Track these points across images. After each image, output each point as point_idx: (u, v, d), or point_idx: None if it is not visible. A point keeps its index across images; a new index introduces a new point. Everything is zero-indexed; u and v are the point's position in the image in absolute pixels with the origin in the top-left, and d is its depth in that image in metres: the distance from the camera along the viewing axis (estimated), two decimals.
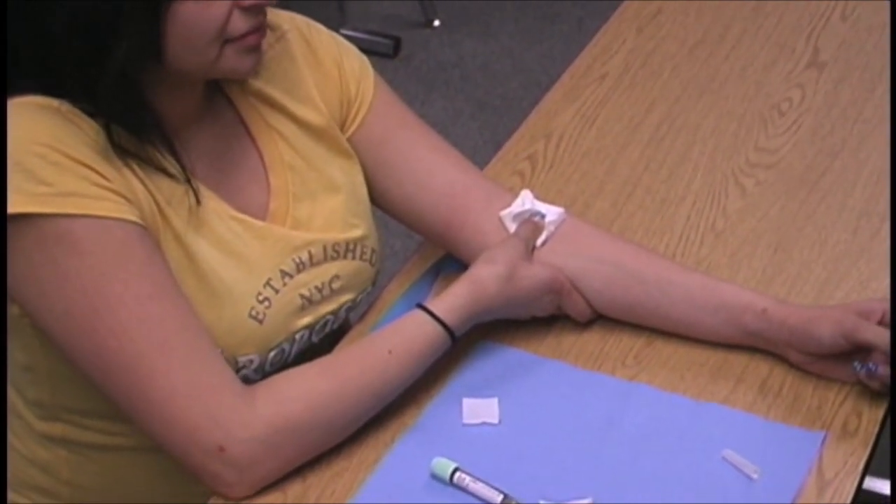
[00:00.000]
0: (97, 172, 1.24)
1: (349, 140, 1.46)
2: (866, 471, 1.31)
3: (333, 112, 1.45)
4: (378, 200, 1.50)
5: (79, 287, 1.22)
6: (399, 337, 1.34)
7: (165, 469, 1.36)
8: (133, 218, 1.25)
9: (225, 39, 1.26)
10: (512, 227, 1.46)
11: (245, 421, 1.24)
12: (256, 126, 1.40)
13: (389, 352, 1.32)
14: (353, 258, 1.43)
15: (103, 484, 1.43)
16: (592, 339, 1.46)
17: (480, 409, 1.36)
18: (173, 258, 1.29)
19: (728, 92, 1.85)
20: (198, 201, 1.31)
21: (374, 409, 1.33)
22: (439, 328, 1.35)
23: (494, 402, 1.37)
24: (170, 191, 1.30)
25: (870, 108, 1.80)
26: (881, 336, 1.32)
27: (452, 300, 1.37)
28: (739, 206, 1.65)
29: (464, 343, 1.42)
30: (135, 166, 1.27)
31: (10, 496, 1.46)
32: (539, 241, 1.46)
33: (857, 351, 1.35)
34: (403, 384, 1.34)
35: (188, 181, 1.30)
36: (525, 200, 1.47)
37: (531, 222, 1.46)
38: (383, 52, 3.45)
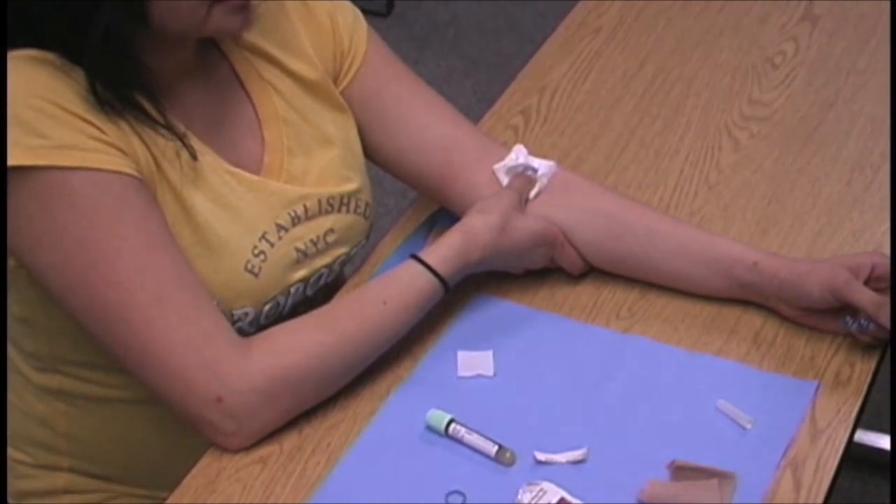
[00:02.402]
0: (93, 125, 1.24)
1: (342, 93, 1.46)
2: (858, 420, 1.32)
3: (327, 65, 1.44)
4: (371, 154, 1.50)
5: (76, 239, 1.22)
6: (394, 288, 1.34)
7: (162, 422, 1.36)
8: (129, 171, 1.25)
9: (212, 0, 1.26)
10: (505, 181, 1.46)
11: (242, 372, 1.24)
12: (250, 80, 1.40)
13: (384, 303, 1.33)
14: (348, 212, 1.44)
15: (101, 437, 1.44)
16: (586, 292, 1.46)
17: (475, 362, 1.37)
18: (170, 211, 1.29)
19: (722, 45, 1.84)
20: (194, 157, 1.31)
21: (369, 359, 1.33)
22: (433, 278, 1.35)
23: (489, 354, 1.37)
24: (165, 144, 1.30)
25: (863, 60, 1.80)
26: (869, 298, 1.32)
27: (445, 250, 1.37)
28: (733, 159, 1.65)
29: (458, 296, 1.43)
30: (131, 119, 1.27)
31: (9, 452, 1.47)
32: (532, 194, 1.46)
33: (847, 306, 1.36)
34: (398, 334, 1.35)
35: (179, 139, 1.30)
36: (518, 155, 1.47)
37: (524, 176, 1.46)
38: (376, 10, 3.43)
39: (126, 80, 1.27)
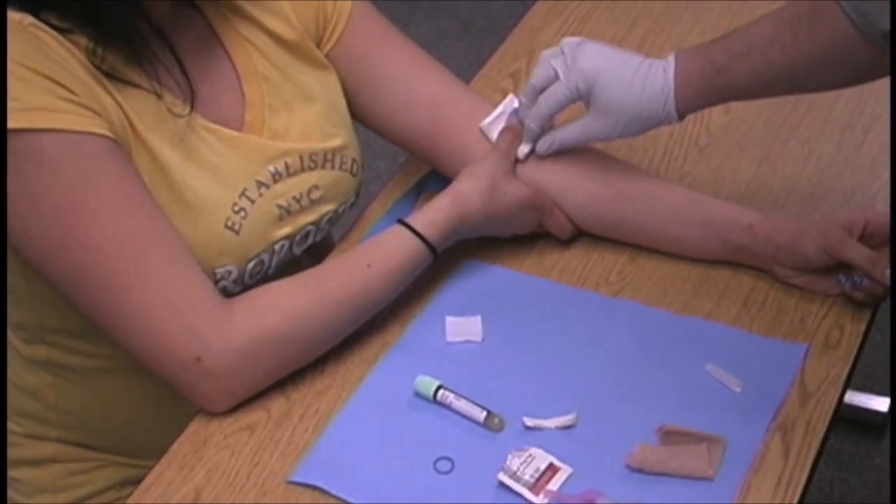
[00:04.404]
0: (63, 86, 1.22)
1: (329, 55, 1.45)
2: (848, 383, 1.31)
3: (308, 28, 1.43)
4: (360, 116, 1.49)
5: (51, 204, 1.21)
6: (379, 251, 1.34)
7: (151, 391, 1.36)
8: (102, 131, 1.24)
9: None
10: (494, 136, 1.45)
11: (223, 332, 1.24)
12: (229, 37, 1.39)
13: (369, 266, 1.32)
14: (333, 168, 1.42)
15: (90, 408, 1.44)
16: (576, 257, 1.46)
17: (464, 327, 1.36)
18: (145, 171, 1.28)
19: (712, 6, 1.83)
20: (192, 107, 1.30)
21: (354, 323, 1.33)
22: (419, 243, 1.34)
23: (477, 319, 1.37)
24: (140, 103, 1.29)
25: None
26: (863, 254, 1.32)
27: (434, 214, 1.36)
28: (723, 122, 1.64)
29: (447, 261, 1.42)
30: (103, 80, 1.26)
31: None
32: (522, 154, 1.44)
33: (841, 264, 1.35)
34: (384, 298, 1.34)
35: (190, 89, 1.30)
36: (502, 105, 1.46)
37: (509, 131, 1.44)
38: None
39: (135, 37, 1.25)
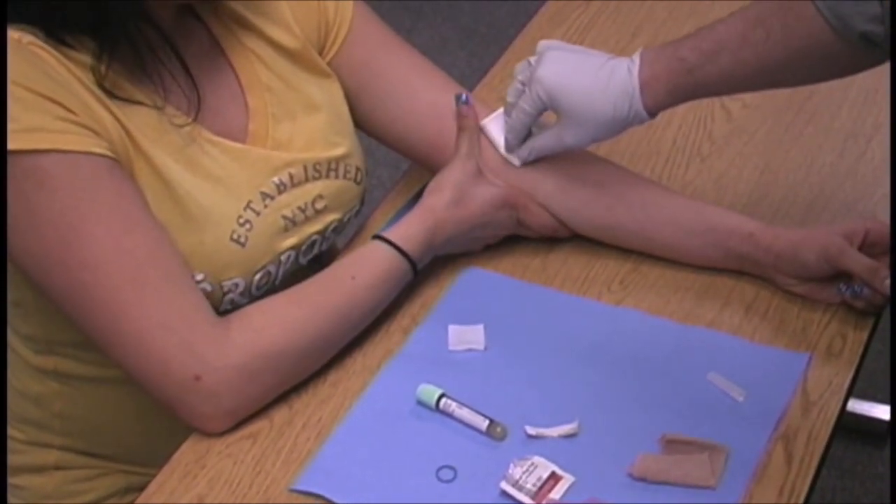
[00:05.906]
0: (62, 106, 1.22)
1: (330, 64, 1.45)
2: (850, 391, 1.32)
3: (310, 36, 1.43)
4: (362, 124, 1.49)
5: (50, 222, 1.21)
6: (361, 264, 1.35)
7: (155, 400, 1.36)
8: (101, 150, 1.24)
9: None
10: (494, 135, 1.45)
11: (220, 349, 1.24)
12: (232, 47, 1.39)
13: (353, 278, 1.32)
14: (337, 177, 1.43)
15: (95, 416, 1.43)
16: (578, 265, 1.46)
17: (466, 336, 1.36)
18: (149, 186, 1.28)
19: (715, 14, 1.80)
20: (197, 114, 1.30)
21: (344, 337, 1.33)
22: (398, 255, 1.35)
23: (480, 328, 1.37)
24: (141, 118, 1.29)
25: None
26: (863, 264, 1.33)
27: (406, 228, 1.37)
28: (726, 130, 1.64)
29: (450, 270, 1.43)
30: (104, 97, 1.26)
31: None
32: (514, 162, 1.44)
33: (842, 273, 1.35)
34: (370, 311, 1.34)
35: (197, 96, 1.30)
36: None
37: (466, 131, 1.44)
38: None
39: (145, 44, 1.26)
